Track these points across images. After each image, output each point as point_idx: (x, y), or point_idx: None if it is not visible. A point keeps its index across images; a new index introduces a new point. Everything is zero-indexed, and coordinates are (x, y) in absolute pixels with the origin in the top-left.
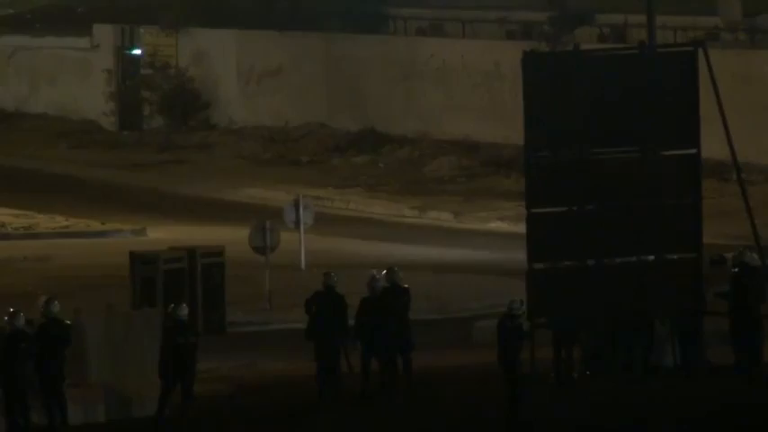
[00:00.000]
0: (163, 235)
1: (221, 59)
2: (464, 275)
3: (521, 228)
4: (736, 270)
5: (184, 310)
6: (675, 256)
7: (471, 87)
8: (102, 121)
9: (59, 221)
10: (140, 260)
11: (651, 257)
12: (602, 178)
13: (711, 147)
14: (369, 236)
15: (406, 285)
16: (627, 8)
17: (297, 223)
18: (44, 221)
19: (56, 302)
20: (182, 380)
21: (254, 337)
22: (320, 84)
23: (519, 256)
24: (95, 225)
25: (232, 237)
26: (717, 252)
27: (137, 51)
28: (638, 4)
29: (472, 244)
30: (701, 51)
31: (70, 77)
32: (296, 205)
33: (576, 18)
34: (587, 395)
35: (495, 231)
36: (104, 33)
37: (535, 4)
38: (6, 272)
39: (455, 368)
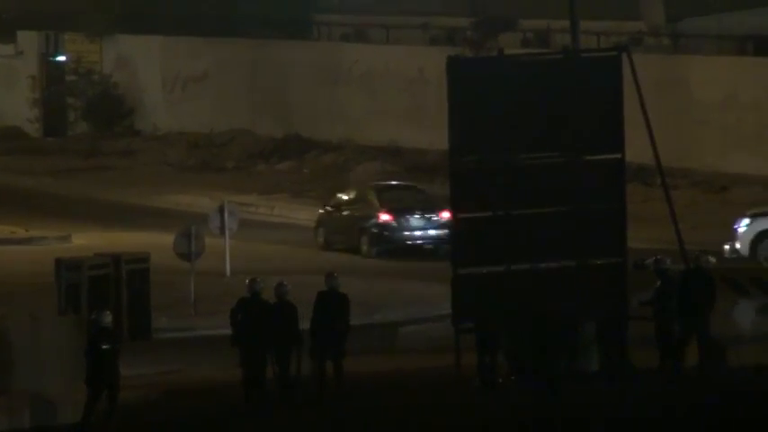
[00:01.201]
0: (88, 241)
1: (146, 66)
2: (391, 281)
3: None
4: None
5: (108, 317)
6: (600, 261)
7: (395, 93)
8: (27, 128)
9: None
10: (65, 266)
11: (576, 262)
12: (527, 183)
13: (635, 151)
14: (294, 242)
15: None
16: (550, 13)
17: (222, 229)
18: None
19: None
20: (108, 387)
21: (179, 343)
22: (245, 90)
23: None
24: (20, 232)
25: (157, 243)
26: (639, 257)
27: (61, 58)
28: (561, 9)
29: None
30: (624, 56)
31: None
32: (221, 211)
33: (499, 23)
34: (512, 398)
35: None
36: (29, 40)
37: (458, 11)
38: None
39: (385, 373)
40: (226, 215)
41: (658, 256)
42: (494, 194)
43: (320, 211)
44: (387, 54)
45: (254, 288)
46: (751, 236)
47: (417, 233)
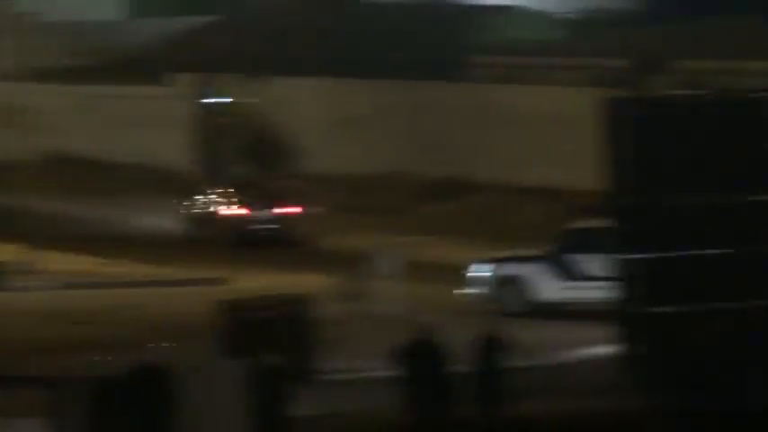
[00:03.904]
0: (251, 284)
1: (303, 107)
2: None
3: None
4: None
5: (273, 358)
6: None
7: (550, 134)
8: (184, 170)
9: (149, 270)
10: (228, 308)
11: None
12: (694, 224)
13: None
14: (451, 284)
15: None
16: (707, 53)
17: (385, 271)
18: (134, 270)
19: None
20: None
21: (344, 385)
22: (401, 131)
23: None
24: (185, 274)
25: (319, 285)
26: None
27: (218, 100)
28: (717, 49)
29: None
30: None
31: (152, 126)
32: (383, 253)
33: (653, 64)
34: None
35: None
36: (186, 82)
37: (612, 51)
38: (99, 321)
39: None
40: (388, 257)
41: None
42: (659, 235)
43: None
44: (543, 95)
45: (420, 331)
46: (492, 281)
47: None
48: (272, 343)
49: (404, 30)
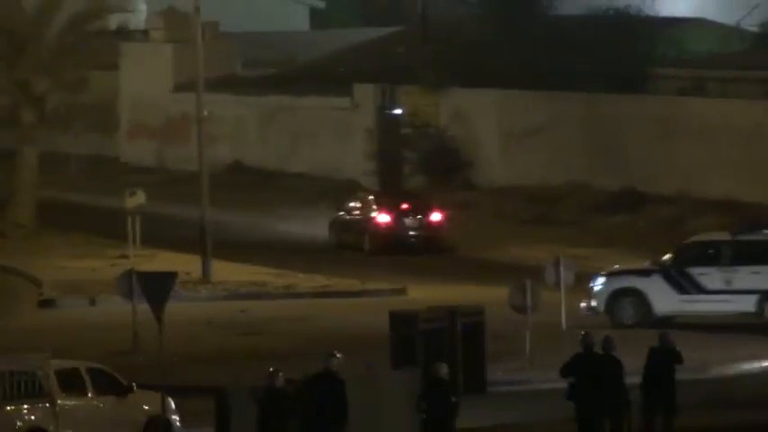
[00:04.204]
0: (423, 294)
1: (482, 119)
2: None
3: None
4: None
5: (444, 369)
6: None
7: (732, 147)
8: (363, 181)
9: (319, 281)
10: (400, 319)
11: None
12: None
13: None
14: None
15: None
16: None
17: (557, 283)
18: (304, 281)
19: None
20: None
21: (515, 396)
22: (580, 143)
23: None
24: (356, 285)
25: (492, 296)
26: None
27: (397, 111)
28: None
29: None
30: None
31: (331, 137)
32: (557, 265)
33: None
34: None
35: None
36: (365, 93)
37: None
38: (268, 332)
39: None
40: (561, 269)
41: None
42: None
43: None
44: (724, 108)
45: (587, 342)
46: (606, 294)
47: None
48: (442, 354)
49: (586, 42)
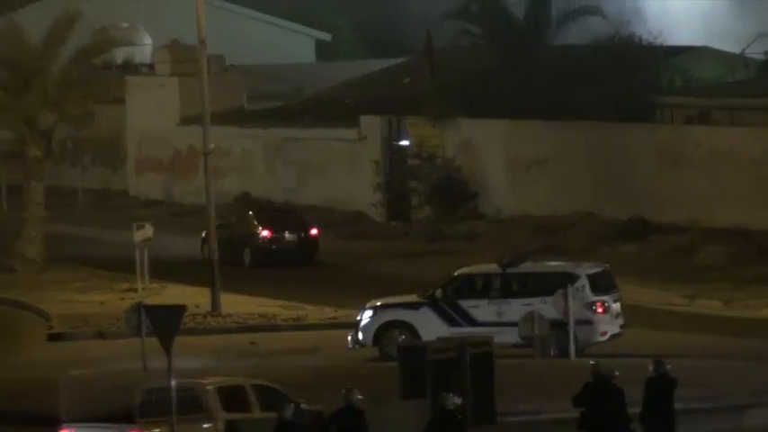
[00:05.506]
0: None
1: (488, 149)
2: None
3: None
4: None
5: (453, 400)
6: None
7: (740, 174)
8: (371, 212)
9: (328, 312)
10: (409, 350)
11: None
12: None
13: None
14: (637, 323)
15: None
16: None
17: (565, 312)
18: (313, 313)
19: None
20: None
21: (525, 426)
22: (586, 172)
23: None
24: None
25: None
26: None
27: (404, 142)
28: None
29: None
30: None
31: (338, 168)
32: (565, 295)
33: None
34: None
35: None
36: (371, 124)
37: None
38: (274, 363)
39: None
40: (570, 299)
41: None
42: None
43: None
44: (730, 136)
45: (597, 372)
46: (374, 327)
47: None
48: (452, 384)
49: (592, 71)
